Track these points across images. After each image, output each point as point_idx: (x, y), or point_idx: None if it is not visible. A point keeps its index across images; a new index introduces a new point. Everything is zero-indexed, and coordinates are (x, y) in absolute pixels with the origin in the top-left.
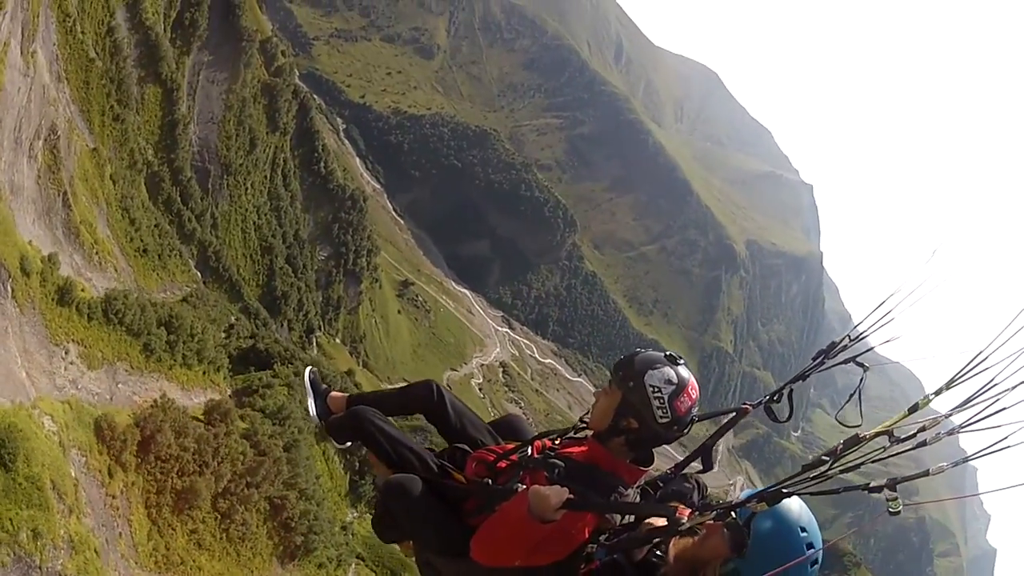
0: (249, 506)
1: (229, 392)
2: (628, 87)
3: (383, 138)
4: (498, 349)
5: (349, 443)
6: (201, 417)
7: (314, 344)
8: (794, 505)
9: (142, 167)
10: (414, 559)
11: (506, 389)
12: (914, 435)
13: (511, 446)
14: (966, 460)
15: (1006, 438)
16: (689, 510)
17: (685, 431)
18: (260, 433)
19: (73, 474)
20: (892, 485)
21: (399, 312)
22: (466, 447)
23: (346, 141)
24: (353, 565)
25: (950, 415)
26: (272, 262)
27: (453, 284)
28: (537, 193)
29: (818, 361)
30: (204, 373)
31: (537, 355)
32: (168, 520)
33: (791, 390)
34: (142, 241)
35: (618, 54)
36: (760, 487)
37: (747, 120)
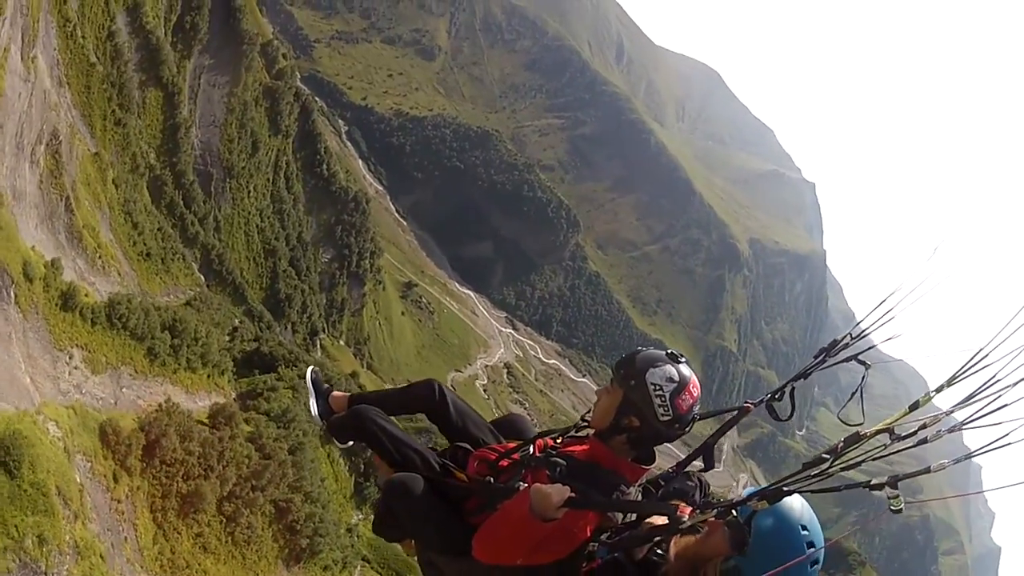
0: (254, 509)
1: (233, 395)
2: (629, 87)
3: (385, 140)
4: (502, 350)
5: (351, 443)
6: (206, 421)
7: (318, 346)
8: (796, 504)
9: (144, 171)
10: (416, 559)
11: (510, 390)
12: (915, 433)
13: (513, 445)
14: (968, 457)
15: (1007, 435)
16: (690, 508)
17: (687, 429)
18: (265, 436)
19: (78, 479)
20: (893, 483)
21: (403, 314)
22: (468, 446)
23: (348, 143)
24: (359, 567)
25: (951, 412)
26: (275, 265)
27: (456, 285)
28: (540, 194)
29: (820, 359)
30: (208, 377)
31: (541, 356)
32: (173, 524)
33: (792, 388)
34: (145, 245)
35: (619, 54)
36: (763, 485)
37: (749, 119)
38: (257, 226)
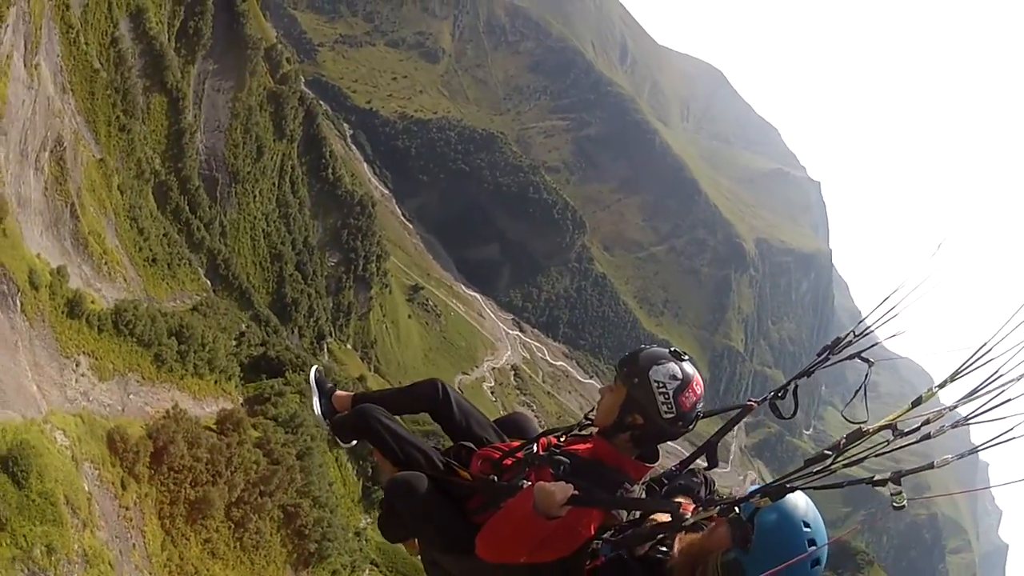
0: (263, 514)
1: (241, 400)
2: (634, 87)
3: (390, 143)
4: (509, 352)
5: (355, 442)
6: (214, 427)
7: (325, 350)
8: (799, 501)
9: (149, 177)
10: (420, 558)
11: (518, 392)
12: (918, 428)
13: (516, 444)
14: (972, 451)
15: (1012, 429)
16: (693, 506)
17: (690, 427)
18: (273, 441)
19: (86, 488)
20: (897, 478)
21: (409, 317)
22: (471, 445)
23: (353, 147)
24: (367, 571)
25: (955, 407)
26: (282, 269)
27: (463, 288)
28: (545, 195)
29: (823, 357)
30: (216, 382)
31: (548, 357)
32: (182, 530)
33: (796, 386)
34: (151, 251)
35: (623, 55)
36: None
37: (753, 118)
38: (263, 231)
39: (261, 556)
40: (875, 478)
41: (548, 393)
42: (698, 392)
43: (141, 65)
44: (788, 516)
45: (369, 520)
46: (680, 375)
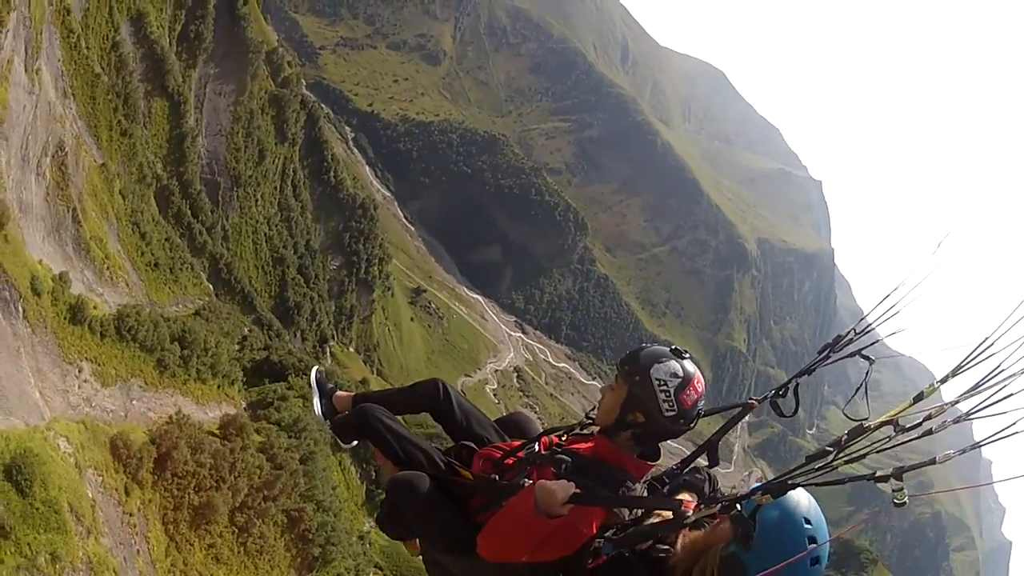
0: (266, 519)
1: (244, 405)
2: (635, 88)
3: (392, 146)
4: (512, 354)
5: (355, 442)
6: (217, 432)
7: (328, 354)
8: (801, 498)
9: (151, 181)
10: (421, 558)
11: (521, 394)
12: (920, 424)
13: (517, 443)
14: (974, 447)
15: (1014, 424)
16: (695, 503)
17: (692, 425)
18: (276, 446)
19: (90, 495)
20: (898, 474)
21: (412, 319)
22: (472, 445)
23: (355, 150)
24: (371, 574)
25: (956, 402)
26: (284, 273)
27: (465, 290)
28: (547, 197)
29: (824, 355)
30: (218, 387)
31: (551, 359)
32: (186, 536)
33: (797, 384)
34: (153, 255)
35: (624, 55)
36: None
37: (754, 118)
38: (265, 234)
39: (265, 561)
40: (877, 474)
41: (551, 395)
42: (699, 390)
43: (142, 69)
44: (789, 513)
45: (373, 524)
46: (681, 373)
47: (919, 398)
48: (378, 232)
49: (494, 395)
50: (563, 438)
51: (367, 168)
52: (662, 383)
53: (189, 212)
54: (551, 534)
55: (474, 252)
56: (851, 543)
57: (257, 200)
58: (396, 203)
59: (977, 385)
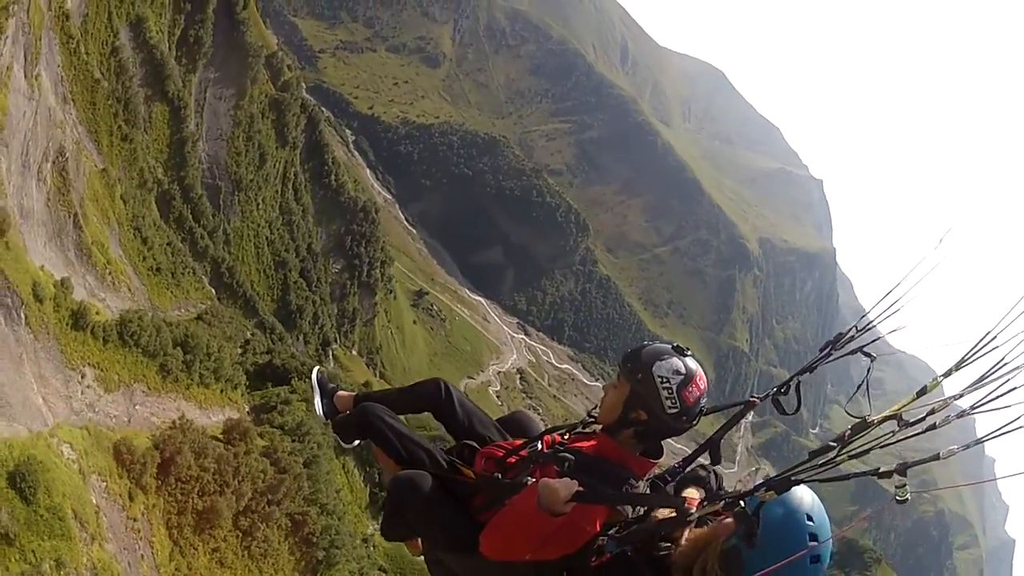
0: (270, 523)
1: (247, 409)
2: (635, 89)
3: (392, 148)
4: (514, 356)
5: (357, 442)
6: (220, 436)
7: (330, 357)
8: (804, 495)
9: (152, 186)
10: (423, 558)
11: (523, 395)
12: (923, 418)
13: (519, 442)
14: (978, 442)
15: (1019, 418)
16: (698, 500)
17: (694, 422)
18: (280, 450)
19: (94, 501)
20: (902, 470)
21: (414, 322)
22: (474, 444)
23: (356, 153)
24: None
25: (960, 397)
26: (286, 276)
27: (468, 292)
28: (548, 198)
29: (825, 352)
30: (222, 391)
31: (554, 361)
32: (190, 540)
33: (798, 382)
34: (155, 260)
35: (623, 56)
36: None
37: (755, 117)
38: (267, 238)
39: (269, 564)
40: (881, 470)
41: (554, 396)
42: (701, 387)
43: (142, 74)
44: (791, 510)
45: (377, 526)
46: (683, 370)
47: (922, 393)
48: (380, 235)
49: (497, 397)
50: (566, 437)
51: (368, 171)
52: (664, 380)
53: (190, 216)
54: (554, 532)
55: (476, 254)
56: (855, 542)
57: (258, 204)
58: (397, 206)
59: (981, 379)
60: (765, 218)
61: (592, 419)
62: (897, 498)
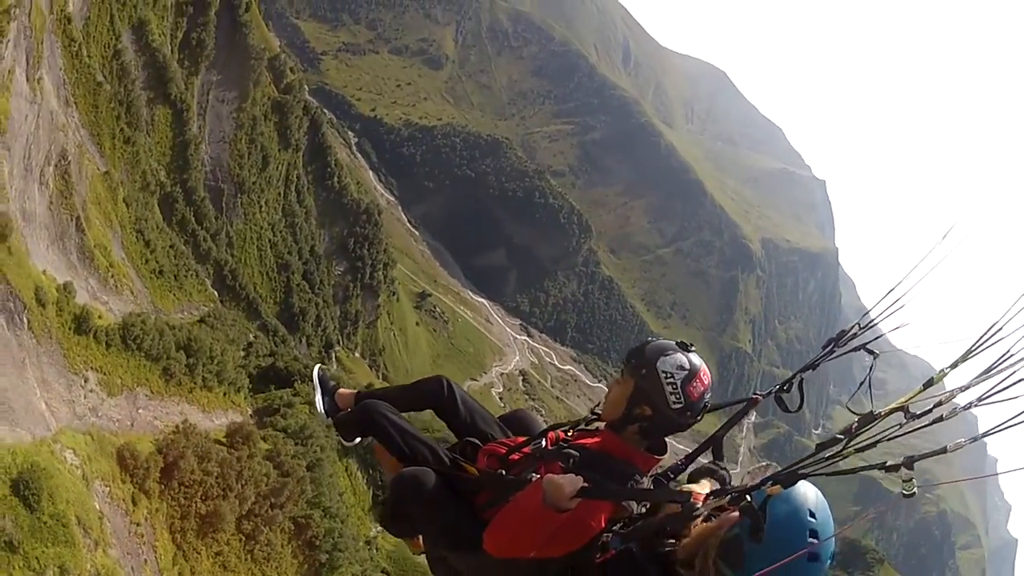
0: (273, 527)
1: (250, 412)
2: (637, 90)
3: (395, 150)
4: (517, 357)
5: (358, 439)
6: (223, 440)
7: (333, 359)
8: (809, 492)
9: (155, 189)
10: (424, 555)
11: (526, 397)
12: (930, 411)
13: (522, 440)
14: (986, 435)
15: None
16: (704, 495)
17: (698, 418)
18: (283, 454)
19: (97, 507)
20: (909, 463)
21: (417, 324)
22: (476, 441)
23: (358, 155)
24: None
25: (966, 388)
26: (289, 279)
27: (470, 294)
28: (551, 200)
29: (828, 350)
30: (225, 394)
31: (556, 362)
32: (193, 544)
33: (801, 379)
34: (157, 263)
35: (626, 57)
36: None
37: (757, 118)
38: (269, 240)
39: (272, 568)
40: (888, 463)
41: (557, 398)
42: (706, 382)
43: (144, 77)
44: (794, 506)
45: (380, 529)
46: (687, 365)
47: (929, 384)
48: (382, 237)
49: (500, 399)
50: (569, 433)
51: (371, 173)
52: (669, 376)
53: (193, 219)
54: (559, 529)
55: (479, 256)
56: (857, 543)
57: (261, 206)
58: (400, 208)
59: (988, 370)
60: (768, 218)
61: (595, 416)
62: (904, 492)
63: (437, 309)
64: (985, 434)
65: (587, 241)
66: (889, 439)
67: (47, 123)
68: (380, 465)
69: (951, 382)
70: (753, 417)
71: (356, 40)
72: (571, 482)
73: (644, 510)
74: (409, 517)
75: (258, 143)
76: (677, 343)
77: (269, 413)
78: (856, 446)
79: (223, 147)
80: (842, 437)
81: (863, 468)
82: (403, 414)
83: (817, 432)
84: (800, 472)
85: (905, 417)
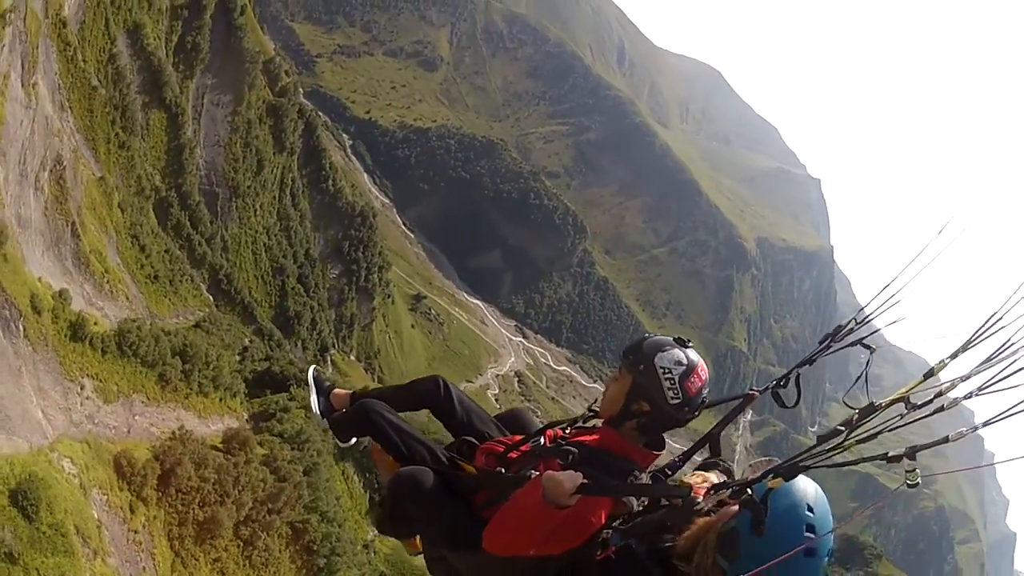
0: (271, 532)
1: (246, 417)
2: (632, 90)
3: (390, 153)
4: (513, 358)
5: (353, 440)
6: (220, 446)
7: (329, 362)
8: (809, 487)
9: (150, 193)
10: (422, 556)
11: (522, 398)
12: (931, 401)
13: (520, 438)
14: (987, 424)
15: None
16: (704, 489)
17: (696, 413)
18: (280, 459)
19: (96, 515)
20: (912, 453)
21: (413, 326)
22: (473, 440)
23: (353, 157)
24: None
25: (967, 377)
26: (284, 282)
27: (465, 295)
28: (546, 201)
29: (825, 345)
30: (221, 400)
31: (552, 363)
32: (191, 551)
33: (798, 375)
34: (153, 268)
35: (620, 57)
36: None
37: (752, 117)
38: (264, 244)
39: (270, 573)
40: (890, 454)
41: (552, 398)
42: (703, 377)
43: (139, 81)
44: (791, 501)
45: (377, 532)
46: (685, 361)
47: (930, 374)
48: (377, 240)
49: (496, 400)
50: (567, 431)
51: (365, 175)
52: (666, 371)
53: (188, 223)
54: (559, 525)
55: (474, 257)
56: (855, 539)
57: (256, 210)
58: (395, 210)
59: (989, 359)
60: (763, 217)
61: (592, 413)
62: (908, 482)
63: (432, 311)
64: (988, 422)
65: (582, 242)
66: (891, 430)
67: (42, 128)
68: (376, 466)
69: (951, 374)
70: (749, 415)
71: (351, 42)
72: (571, 478)
73: (643, 506)
74: (408, 517)
75: (253, 147)
76: (674, 339)
77: (265, 418)
78: (857, 437)
79: (218, 151)
80: (843, 429)
81: (865, 459)
82: (400, 414)
83: (813, 430)
84: (802, 464)
85: (906, 408)
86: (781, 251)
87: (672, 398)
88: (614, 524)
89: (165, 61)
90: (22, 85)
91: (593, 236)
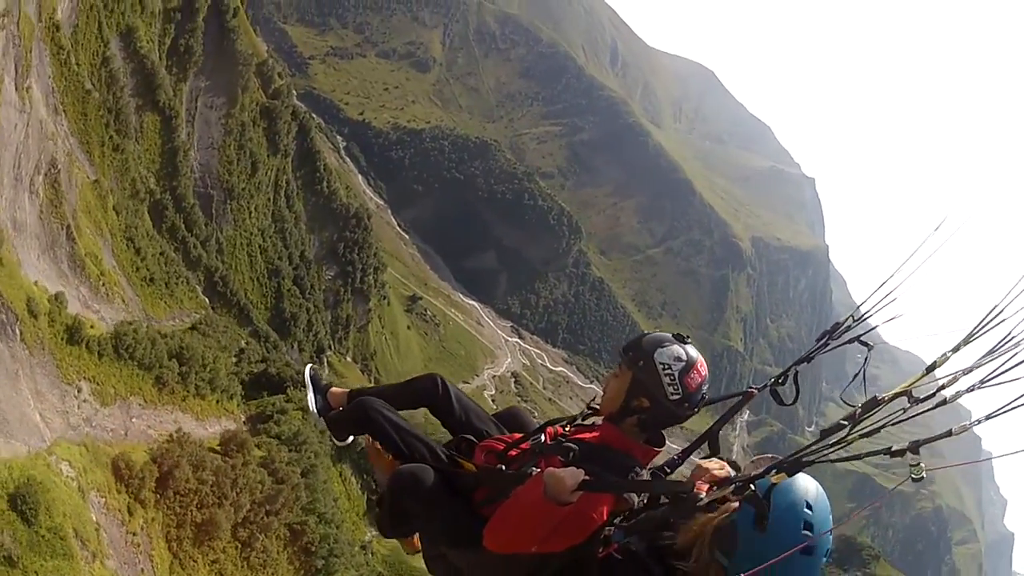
0: (269, 533)
1: (243, 419)
2: (625, 90)
3: (384, 154)
4: (509, 359)
5: (350, 439)
6: (218, 448)
7: (325, 364)
8: (810, 485)
9: (144, 196)
10: (421, 555)
11: (519, 399)
12: (933, 394)
13: (519, 436)
14: (990, 417)
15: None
16: (707, 486)
17: (696, 409)
18: (277, 461)
19: (94, 518)
20: (915, 447)
21: (408, 327)
22: (472, 438)
23: (347, 159)
24: None
25: (970, 370)
26: (279, 284)
27: (461, 297)
28: (540, 201)
29: (822, 342)
30: (218, 402)
31: (548, 363)
32: (189, 553)
33: (796, 372)
34: (148, 270)
35: (614, 58)
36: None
37: (746, 117)
38: (259, 246)
39: (268, 574)
40: (893, 448)
41: (549, 399)
42: (703, 373)
43: (133, 84)
44: (791, 499)
45: (375, 533)
46: (685, 357)
47: (932, 368)
48: (372, 241)
49: (492, 401)
50: (567, 428)
51: (360, 177)
52: (666, 367)
53: (183, 226)
54: (561, 522)
55: (469, 258)
56: (853, 539)
57: (251, 212)
58: (389, 211)
59: (991, 351)
60: (758, 217)
61: (591, 411)
62: (913, 476)
63: (428, 312)
64: (992, 415)
65: (577, 242)
66: (894, 423)
67: (36, 132)
68: (373, 466)
69: (952, 368)
70: (746, 415)
71: (344, 44)
72: (572, 475)
73: (644, 503)
74: (408, 514)
75: (247, 149)
76: (674, 335)
77: (262, 420)
78: (860, 432)
79: (212, 153)
80: (846, 423)
81: (869, 453)
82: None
83: (810, 429)
84: (805, 459)
85: (909, 402)
86: (776, 250)
87: (672, 394)
88: (616, 521)
89: (158, 64)
90: (16, 89)
91: (588, 236)
